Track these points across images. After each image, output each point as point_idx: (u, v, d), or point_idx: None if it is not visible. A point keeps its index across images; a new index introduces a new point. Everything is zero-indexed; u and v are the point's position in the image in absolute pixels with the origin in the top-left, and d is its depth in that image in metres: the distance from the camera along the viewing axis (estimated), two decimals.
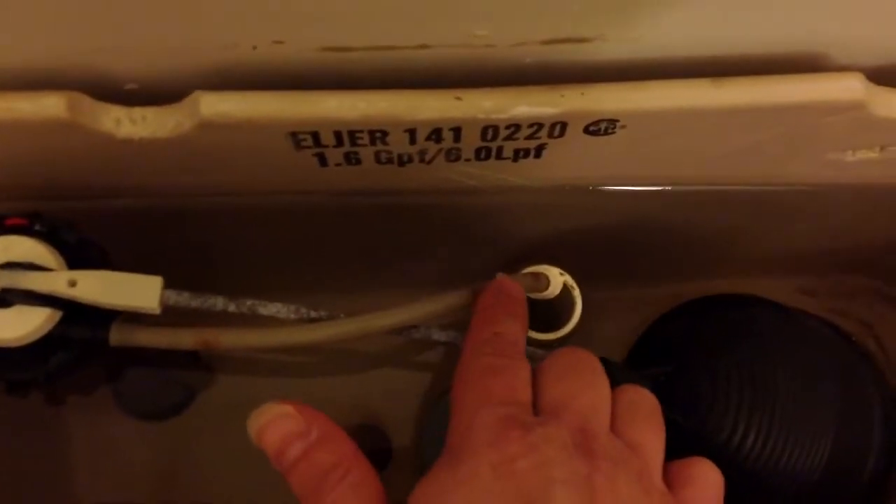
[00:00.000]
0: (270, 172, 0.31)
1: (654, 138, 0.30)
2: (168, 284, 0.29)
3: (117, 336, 0.29)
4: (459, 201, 0.34)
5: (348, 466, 0.22)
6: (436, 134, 0.28)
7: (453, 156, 0.30)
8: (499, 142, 0.29)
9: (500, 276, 0.29)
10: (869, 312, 0.43)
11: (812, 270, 0.42)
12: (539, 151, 0.30)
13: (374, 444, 0.38)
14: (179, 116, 0.27)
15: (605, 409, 0.24)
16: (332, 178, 0.31)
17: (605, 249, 0.38)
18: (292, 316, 0.30)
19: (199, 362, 0.40)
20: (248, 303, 0.30)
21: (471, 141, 0.29)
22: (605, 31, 0.27)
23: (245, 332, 0.29)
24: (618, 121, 0.28)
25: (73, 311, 0.28)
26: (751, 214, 0.37)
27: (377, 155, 0.30)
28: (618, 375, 0.25)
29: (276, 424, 0.23)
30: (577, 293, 0.34)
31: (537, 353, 0.31)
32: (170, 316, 0.29)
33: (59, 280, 0.27)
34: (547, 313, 0.34)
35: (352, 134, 0.28)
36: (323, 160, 0.30)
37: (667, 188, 0.35)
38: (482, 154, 0.30)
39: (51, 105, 0.26)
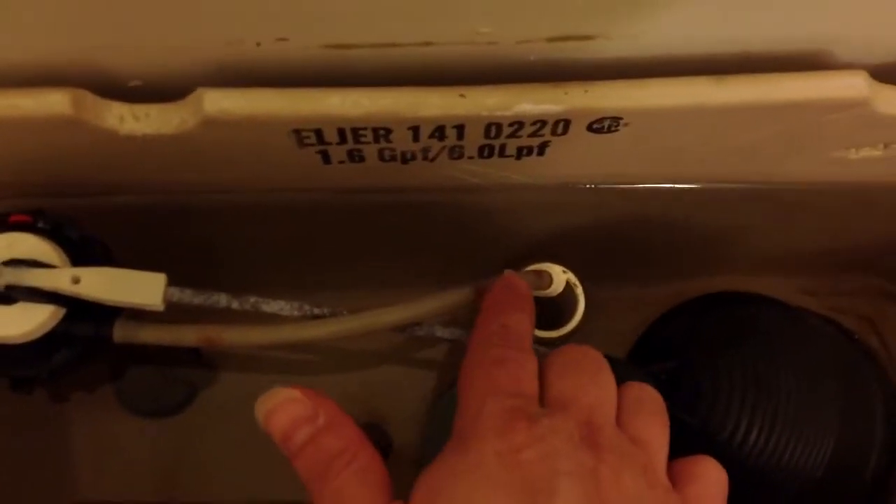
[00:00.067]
0: (273, 170, 0.31)
1: (656, 136, 0.30)
2: (171, 281, 0.29)
3: (121, 333, 0.29)
4: (462, 199, 0.34)
5: (355, 452, 0.22)
6: (439, 131, 0.28)
7: (456, 153, 0.30)
8: (502, 139, 0.29)
9: (508, 272, 0.29)
10: (871, 309, 0.43)
11: (813, 268, 0.43)
12: (542, 149, 0.30)
13: (375, 440, 0.38)
14: (183, 113, 0.27)
15: (611, 404, 0.24)
16: (336, 175, 0.31)
17: (608, 247, 0.38)
18: (295, 313, 0.30)
19: (201, 360, 0.40)
20: (252, 300, 0.30)
21: (474, 138, 0.29)
22: (608, 29, 0.27)
23: (248, 329, 0.29)
24: (621, 118, 0.28)
25: (76, 308, 0.28)
26: (753, 212, 0.37)
27: (380, 152, 0.30)
28: (621, 372, 0.25)
29: (284, 408, 0.23)
30: (579, 291, 0.34)
31: (540, 351, 0.31)
32: (173, 313, 0.29)
33: (63, 277, 0.27)
34: (549, 311, 0.34)
35: (355, 131, 0.28)
36: (326, 157, 0.30)
37: (669, 186, 0.35)
38: (485, 152, 0.30)
39: (54, 102, 0.26)
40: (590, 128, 0.29)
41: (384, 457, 0.39)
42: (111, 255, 0.30)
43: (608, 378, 0.24)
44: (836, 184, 0.35)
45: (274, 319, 0.30)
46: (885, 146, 0.32)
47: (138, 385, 0.39)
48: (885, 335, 0.42)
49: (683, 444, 0.25)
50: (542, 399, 0.23)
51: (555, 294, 0.33)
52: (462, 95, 0.27)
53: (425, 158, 0.30)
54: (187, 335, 0.29)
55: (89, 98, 0.27)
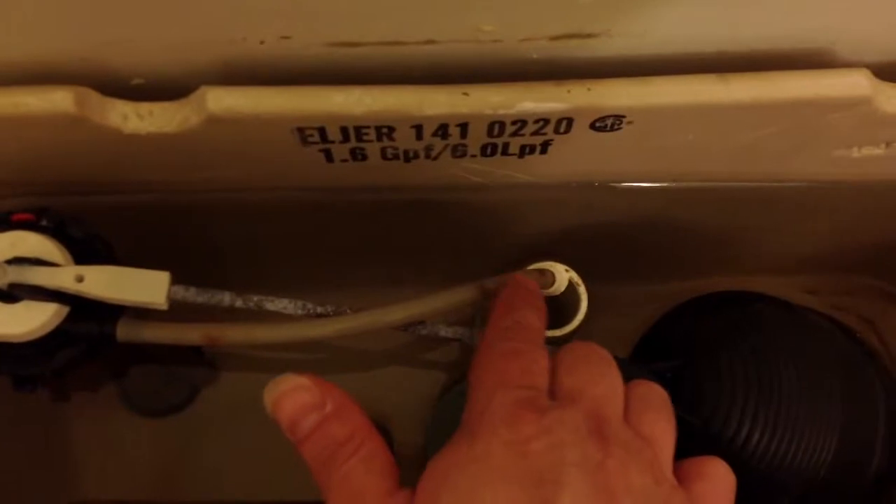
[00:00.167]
0: (277, 168, 0.31)
1: (659, 134, 0.30)
2: (175, 280, 0.29)
3: (124, 332, 0.29)
4: (465, 198, 0.34)
5: (362, 439, 0.22)
6: (442, 130, 0.28)
7: (459, 152, 0.30)
8: (505, 138, 0.29)
9: (517, 274, 0.30)
10: (871, 309, 0.43)
11: (815, 267, 0.43)
12: (545, 147, 0.30)
13: None
14: (186, 111, 0.27)
15: (619, 400, 0.24)
16: (339, 173, 0.31)
17: (611, 246, 0.38)
18: (299, 311, 0.30)
19: (203, 359, 0.40)
20: (255, 298, 0.30)
21: (477, 137, 0.29)
22: (611, 27, 0.27)
23: (251, 328, 0.29)
24: (624, 117, 0.28)
25: (79, 307, 0.28)
26: (755, 211, 0.37)
27: (383, 151, 0.30)
28: (626, 371, 0.25)
29: (292, 395, 0.23)
30: (582, 290, 0.34)
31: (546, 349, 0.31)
32: (176, 312, 0.29)
33: (67, 275, 0.27)
34: (552, 310, 0.34)
35: (358, 129, 0.28)
36: (329, 156, 0.30)
37: (672, 185, 0.35)
38: (488, 150, 0.30)
39: (58, 100, 0.26)
40: (593, 126, 0.29)
41: None
42: (114, 254, 0.30)
43: (616, 374, 0.24)
44: (838, 183, 0.35)
45: (277, 318, 0.30)
46: (887, 145, 0.32)
47: (140, 384, 0.39)
48: (884, 334, 0.42)
49: (686, 444, 0.25)
50: (552, 393, 0.24)
51: (557, 293, 0.33)
52: (465, 94, 0.27)
53: (428, 157, 0.30)
54: (191, 334, 0.29)
55: (93, 96, 0.27)
